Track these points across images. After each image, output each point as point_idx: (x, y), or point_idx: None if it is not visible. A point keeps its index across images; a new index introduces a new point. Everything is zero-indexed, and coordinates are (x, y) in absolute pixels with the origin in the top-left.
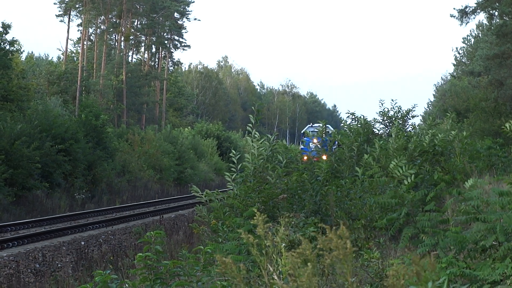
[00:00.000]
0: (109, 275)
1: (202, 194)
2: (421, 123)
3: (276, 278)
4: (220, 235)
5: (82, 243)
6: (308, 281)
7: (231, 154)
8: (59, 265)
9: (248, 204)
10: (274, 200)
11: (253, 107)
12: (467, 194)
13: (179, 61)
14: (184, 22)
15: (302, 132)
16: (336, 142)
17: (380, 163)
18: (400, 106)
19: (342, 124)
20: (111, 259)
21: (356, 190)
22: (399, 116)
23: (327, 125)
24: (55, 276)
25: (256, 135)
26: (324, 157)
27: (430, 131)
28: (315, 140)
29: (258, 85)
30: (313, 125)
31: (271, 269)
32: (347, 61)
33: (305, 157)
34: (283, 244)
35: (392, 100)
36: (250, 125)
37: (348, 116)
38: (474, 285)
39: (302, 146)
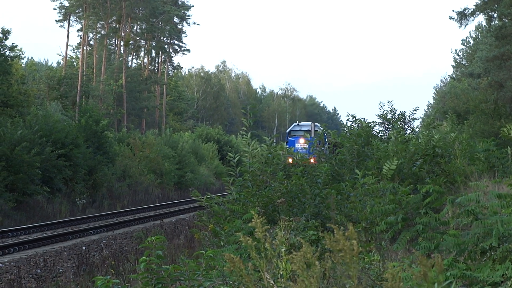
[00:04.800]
0: (111, 280)
1: (202, 198)
2: (420, 125)
3: (272, 282)
4: (223, 239)
5: (83, 248)
6: (311, 283)
7: (228, 157)
8: (60, 270)
9: (249, 208)
10: (274, 204)
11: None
12: (463, 198)
13: (179, 65)
14: (183, 26)
15: (287, 131)
16: (326, 143)
17: (380, 165)
18: (395, 108)
19: (342, 127)
20: (113, 263)
21: (356, 193)
22: (398, 118)
23: (315, 124)
24: (57, 281)
25: (246, 139)
26: (312, 160)
27: (426, 132)
28: (301, 141)
29: (260, 88)
30: (299, 124)
31: (268, 276)
32: (347, 64)
33: (290, 159)
34: (283, 248)
35: (388, 101)
36: (245, 128)
37: (348, 119)
38: (474, 286)
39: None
